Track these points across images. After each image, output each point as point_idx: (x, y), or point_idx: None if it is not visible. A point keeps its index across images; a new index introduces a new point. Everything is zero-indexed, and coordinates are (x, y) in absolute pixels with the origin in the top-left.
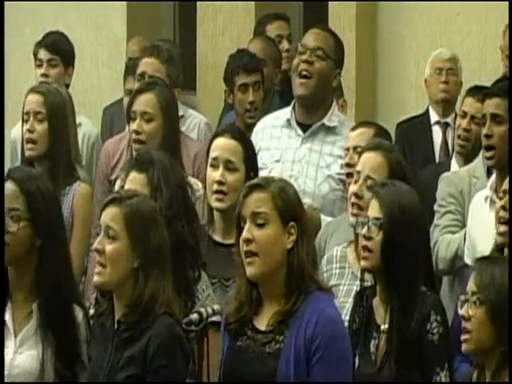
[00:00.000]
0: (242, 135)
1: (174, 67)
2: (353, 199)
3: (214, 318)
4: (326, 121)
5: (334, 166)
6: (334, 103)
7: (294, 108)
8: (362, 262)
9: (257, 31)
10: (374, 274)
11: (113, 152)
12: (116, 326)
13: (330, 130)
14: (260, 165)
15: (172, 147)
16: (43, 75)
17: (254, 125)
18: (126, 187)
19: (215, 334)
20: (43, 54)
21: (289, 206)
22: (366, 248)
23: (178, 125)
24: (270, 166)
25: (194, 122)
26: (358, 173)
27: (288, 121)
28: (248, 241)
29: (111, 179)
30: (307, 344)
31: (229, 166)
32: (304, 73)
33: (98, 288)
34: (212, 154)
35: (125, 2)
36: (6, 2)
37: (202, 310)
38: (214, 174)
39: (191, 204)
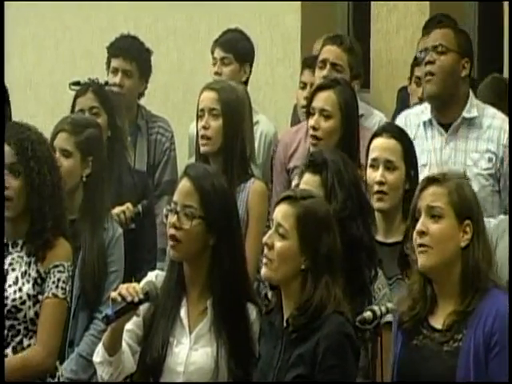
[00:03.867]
0: (401, 134)
1: (355, 58)
2: None
3: (389, 318)
4: (465, 113)
5: (481, 162)
6: (471, 94)
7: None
8: None
9: (424, 34)
10: None
11: (290, 142)
12: (285, 324)
13: (472, 123)
14: None
15: (349, 146)
16: (216, 73)
17: None
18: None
19: (389, 333)
20: (217, 53)
21: (465, 204)
22: None
23: (356, 125)
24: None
25: (374, 121)
26: None
27: (430, 121)
28: (422, 233)
29: (289, 168)
30: (486, 341)
31: (388, 166)
32: (428, 73)
33: (265, 280)
34: (371, 155)
35: (299, 2)
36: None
37: (376, 308)
38: (374, 175)
39: (366, 202)
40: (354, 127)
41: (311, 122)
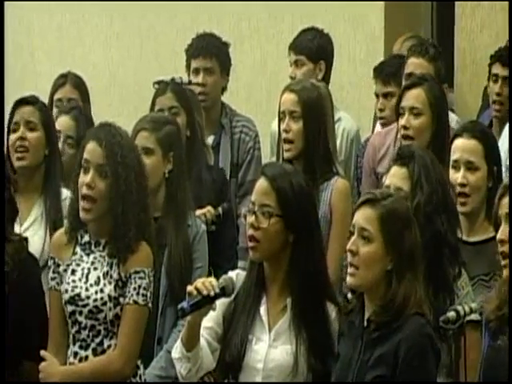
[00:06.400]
0: (482, 132)
1: (441, 63)
2: None
3: (473, 317)
4: None
5: None
6: None
7: None
8: None
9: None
10: None
11: (379, 146)
12: (366, 324)
13: None
14: None
15: (441, 143)
16: (291, 77)
17: (500, 118)
18: (387, 182)
19: (473, 333)
20: (291, 56)
21: None
22: None
23: (447, 121)
24: None
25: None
26: None
27: None
28: (502, 241)
29: (378, 172)
30: None
31: (469, 167)
32: None
33: (350, 289)
34: (453, 156)
35: (383, 1)
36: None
37: (460, 307)
38: (455, 176)
39: (451, 201)
40: (444, 123)
41: (402, 121)
